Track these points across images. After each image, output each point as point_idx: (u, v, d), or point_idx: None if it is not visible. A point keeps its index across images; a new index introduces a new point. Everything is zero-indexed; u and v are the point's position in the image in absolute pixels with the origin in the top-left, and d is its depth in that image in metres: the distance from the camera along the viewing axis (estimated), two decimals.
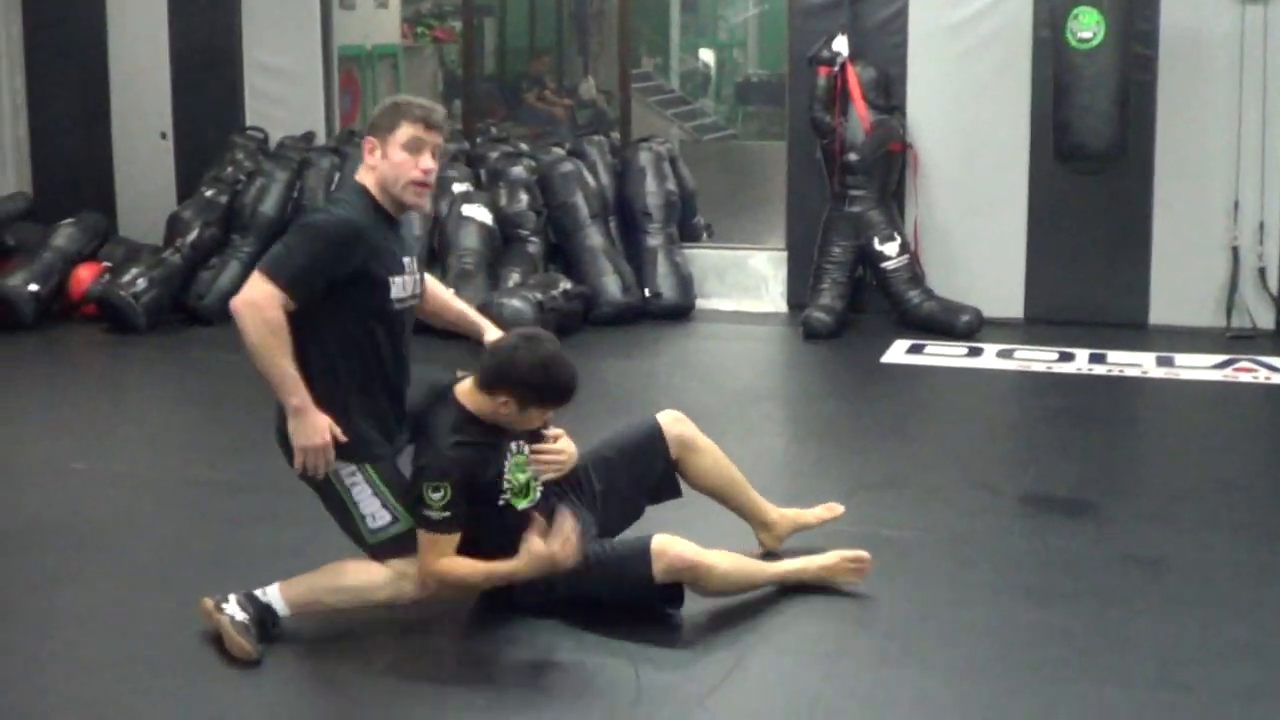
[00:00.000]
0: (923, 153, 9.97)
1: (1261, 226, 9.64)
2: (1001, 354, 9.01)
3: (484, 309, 8.87)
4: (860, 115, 9.71)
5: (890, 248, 9.74)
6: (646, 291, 10.12)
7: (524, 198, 10.17)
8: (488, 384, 4.76)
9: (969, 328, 9.43)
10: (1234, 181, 9.64)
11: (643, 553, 4.82)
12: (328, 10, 11.36)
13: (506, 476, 4.86)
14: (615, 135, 11.45)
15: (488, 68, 17.75)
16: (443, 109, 4.99)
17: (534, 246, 10.13)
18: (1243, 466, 7.08)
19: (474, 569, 4.70)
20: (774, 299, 10.38)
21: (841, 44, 9.80)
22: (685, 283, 10.26)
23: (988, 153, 9.84)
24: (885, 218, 9.80)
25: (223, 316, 9.71)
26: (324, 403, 4.71)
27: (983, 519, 6.06)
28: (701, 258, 10.52)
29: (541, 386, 4.78)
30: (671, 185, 10.64)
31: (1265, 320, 9.66)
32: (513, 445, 4.91)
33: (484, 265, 9.89)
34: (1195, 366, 8.83)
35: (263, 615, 4.75)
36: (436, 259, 9.98)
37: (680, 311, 10.19)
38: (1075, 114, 8.89)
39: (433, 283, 5.28)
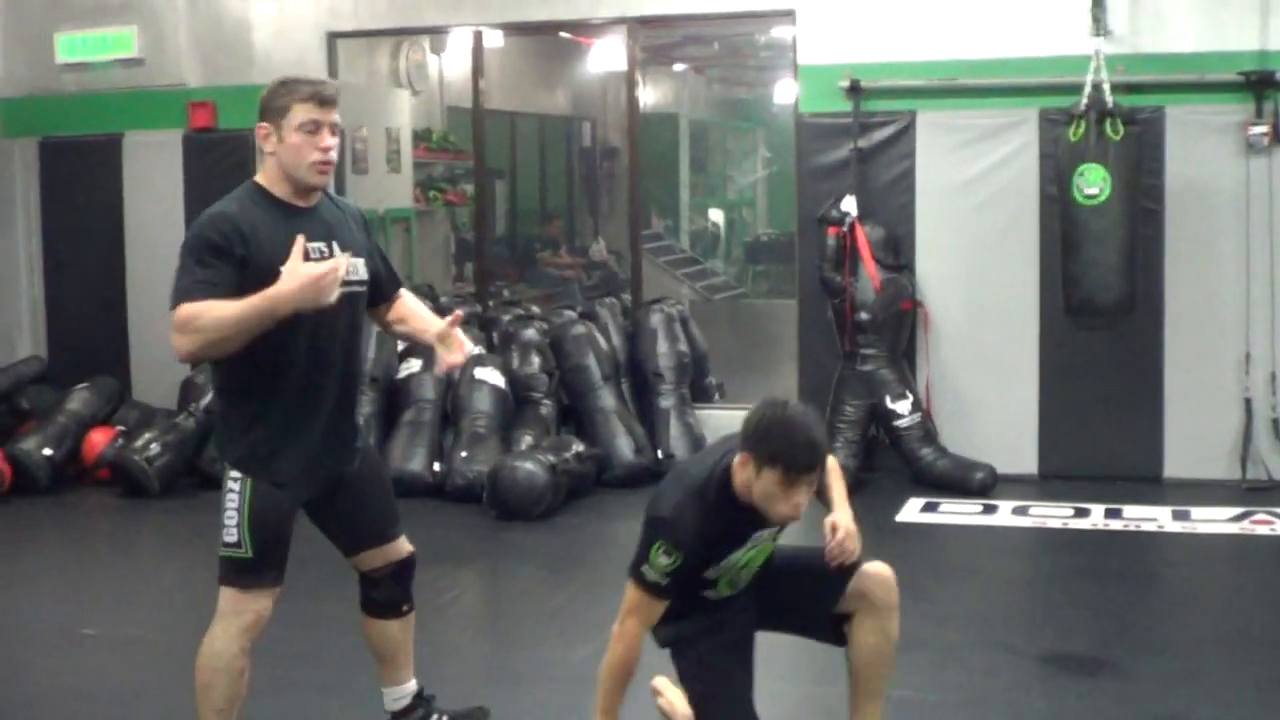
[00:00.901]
0: (933, 310, 10.00)
1: (1274, 377, 9.65)
2: (1016, 511, 8.98)
3: (496, 472, 8.96)
4: (870, 274, 9.76)
5: (903, 406, 9.75)
6: (659, 453, 10.11)
7: (536, 360, 10.21)
8: (740, 446, 4.42)
9: (983, 485, 9.41)
10: (1244, 333, 9.66)
11: None
12: (341, 175, 11.46)
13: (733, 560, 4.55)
14: (626, 297, 11.49)
15: (499, 230, 17.89)
16: (334, 82, 4.80)
17: (546, 409, 10.15)
18: (1263, 620, 7.02)
19: None
20: None
21: (850, 204, 9.87)
22: (698, 443, 10.23)
23: (998, 309, 9.87)
24: (897, 376, 9.82)
25: None
26: (232, 412, 4.69)
27: (1001, 679, 6.02)
28: (714, 418, 10.49)
29: (776, 445, 4.33)
30: (683, 346, 10.69)
31: None
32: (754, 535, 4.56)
33: (497, 428, 9.91)
34: (1211, 520, 8.79)
35: None
36: (449, 422, 10.02)
37: None
38: (1083, 269, 8.95)
39: (407, 299, 5.19)
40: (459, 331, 5.00)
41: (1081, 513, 8.87)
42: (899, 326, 9.90)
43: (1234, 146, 9.66)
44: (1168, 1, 9.82)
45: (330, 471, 4.85)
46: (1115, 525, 8.64)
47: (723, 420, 10.45)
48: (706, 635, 4.66)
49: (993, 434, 9.79)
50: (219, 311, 4.37)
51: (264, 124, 4.69)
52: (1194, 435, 9.71)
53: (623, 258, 15.03)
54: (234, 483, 4.67)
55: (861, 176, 10.00)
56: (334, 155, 4.71)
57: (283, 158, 4.68)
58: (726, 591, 4.64)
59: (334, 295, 4.41)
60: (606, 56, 17.06)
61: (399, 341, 9.71)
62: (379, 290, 5.04)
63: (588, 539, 8.68)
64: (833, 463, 4.69)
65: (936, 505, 9.22)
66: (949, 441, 9.81)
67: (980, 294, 9.96)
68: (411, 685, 5.22)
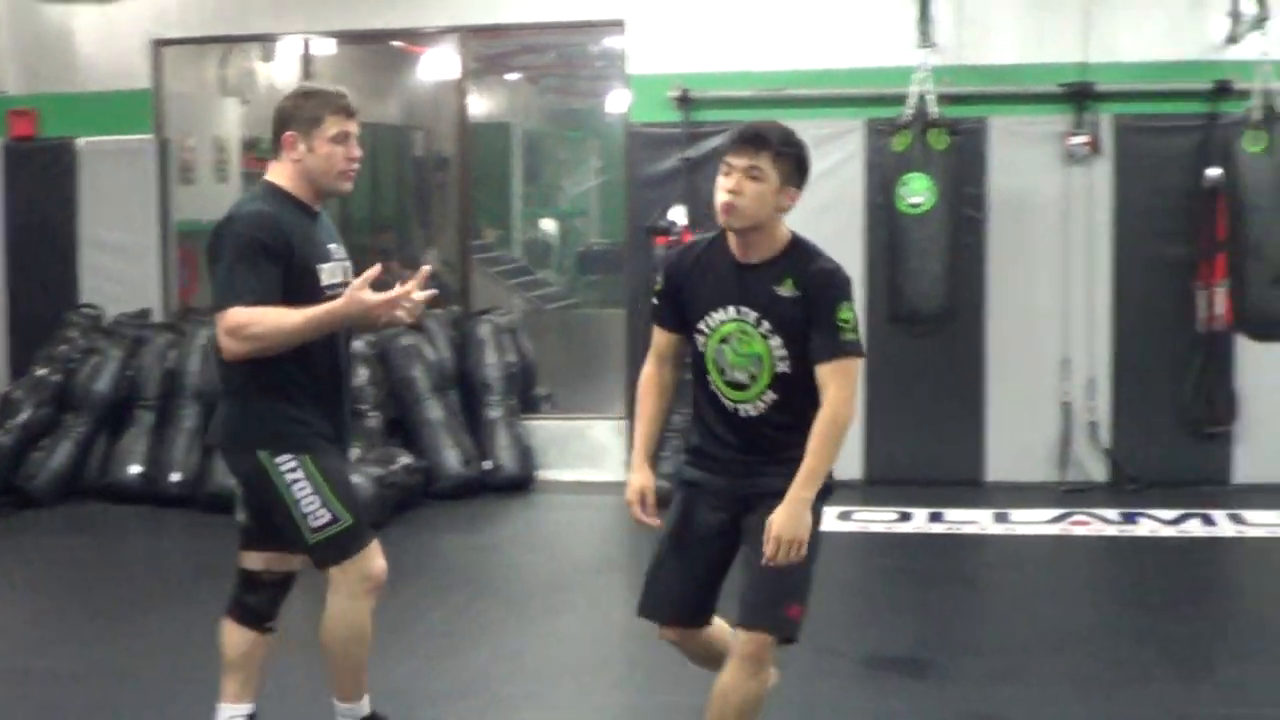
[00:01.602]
0: None
1: (1091, 382, 9.88)
2: (841, 516, 9.07)
3: None
4: None
5: None
6: (487, 464, 10.08)
7: (363, 372, 10.09)
8: None
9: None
10: (1063, 338, 9.89)
11: None
12: (166, 186, 11.30)
13: None
14: (456, 308, 11.44)
15: None
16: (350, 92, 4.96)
17: (374, 421, 10.02)
18: (1080, 619, 7.18)
19: None
20: (615, 468, 10.37)
21: (679, 213, 9.93)
22: (526, 454, 10.25)
23: None
24: None
25: (53, 498, 9.58)
26: (269, 393, 4.74)
27: (825, 682, 6.07)
28: (542, 428, 10.53)
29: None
30: (511, 356, 10.67)
31: (1098, 474, 9.88)
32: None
33: None
34: (1031, 522, 8.98)
35: None
36: None
37: (521, 483, 10.19)
38: (907, 277, 9.07)
39: None
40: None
41: (905, 517, 9.00)
42: None
43: (1054, 156, 9.90)
44: (991, 15, 10.02)
45: (348, 445, 5.05)
46: (938, 528, 8.78)
47: (552, 431, 10.50)
48: (667, 526, 4.80)
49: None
50: (276, 321, 4.58)
51: (292, 132, 4.81)
52: (1014, 439, 9.90)
53: (455, 268, 14.99)
54: (292, 470, 4.72)
55: (691, 186, 10.07)
56: (358, 165, 4.89)
57: (310, 165, 4.82)
58: (719, 381, 4.62)
59: (382, 321, 4.77)
60: (438, 66, 16.98)
61: None
62: None
63: (415, 552, 8.60)
64: (821, 429, 4.45)
65: None
66: None
67: None
68: (251, 707, 5.09)
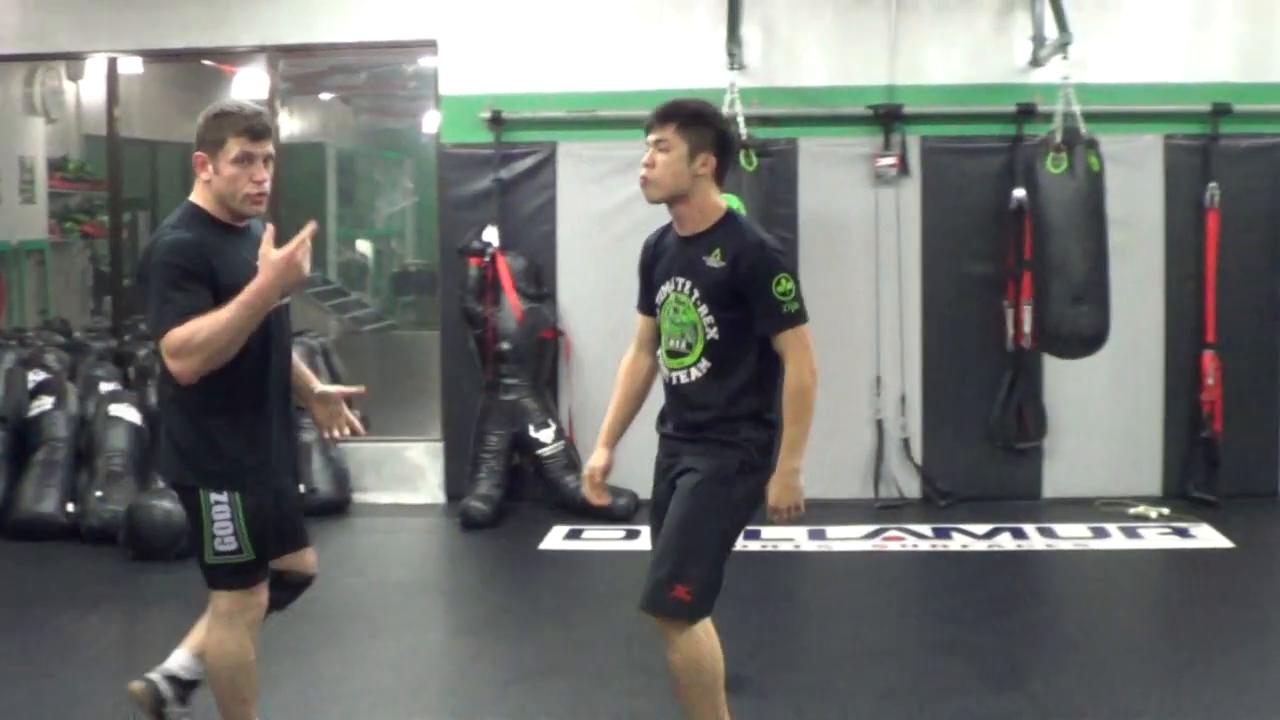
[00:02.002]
0: (574, 339, 10.11)
1: (903, 399, 10.01)
2: None
3: (133, 512, 8.69)
4: (512, 304, 9.81)
5: (545, 434, 9.83)
6: (302, 487, 9.94)
7: None
8: None
9: (625, 510, 9.52)
10: (875, 357, 10.01)
11: None
12: None
13: None
14: None
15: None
16: (267, 112, 4.97)
17: None
18: (891, 633, 7.29)
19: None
20: (431, 490, 10.33)
21: (492, 234, 9.92)
22: (341, 476, 10.16)
23: None
24: (540, 405, 9.90)
25: None
26: (199, 424, 4.81)
27: (643, 700, 6.09)
28: (357, 451, 10.40)
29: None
30: (325, 379, 10.54)
31: (911, 490, 10.01)
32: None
33: (133, 467, 9.56)
34: (846, 538, 9.08)
35: None
36: (84, 461, 9.67)
37: (336, 506, 10.08)
38: None
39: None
40: (346, 409, 5.38)
41: (752, 535, 9.04)
42: (540, 356, 9.97)
43: (863, 177, 10.03)
44: (800, 38, 10.13)
45: (283, 473, 5.10)
46: (753, 546, 8.81)
47: (368, 453, 10.40)
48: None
49: (634, 460, 9.77)
50: (211, 324, 4.56)
51: (200, 153, 4.82)
52: (828, 457, 9.96)
53: None
54: (217, 499, 4.81)
55: (503, 207, 10.06)
56: (267, 186, 4.84)
57: (218, 187, 4.81)
58: (663, 353, 5.04)
59: (307, 268, 4.60)
60: (249, 85, 16.79)
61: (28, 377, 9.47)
62: None
63: None
64: (789, 397, 4.93)
65: (580, 532, 9.30)
66: None
67: (621, 323, 10.00)
68: (202, 670, 5.23)
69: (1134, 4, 10.13)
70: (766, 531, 9.08)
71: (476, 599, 8.28)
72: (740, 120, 9.22)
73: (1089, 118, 9.07)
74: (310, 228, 4.73)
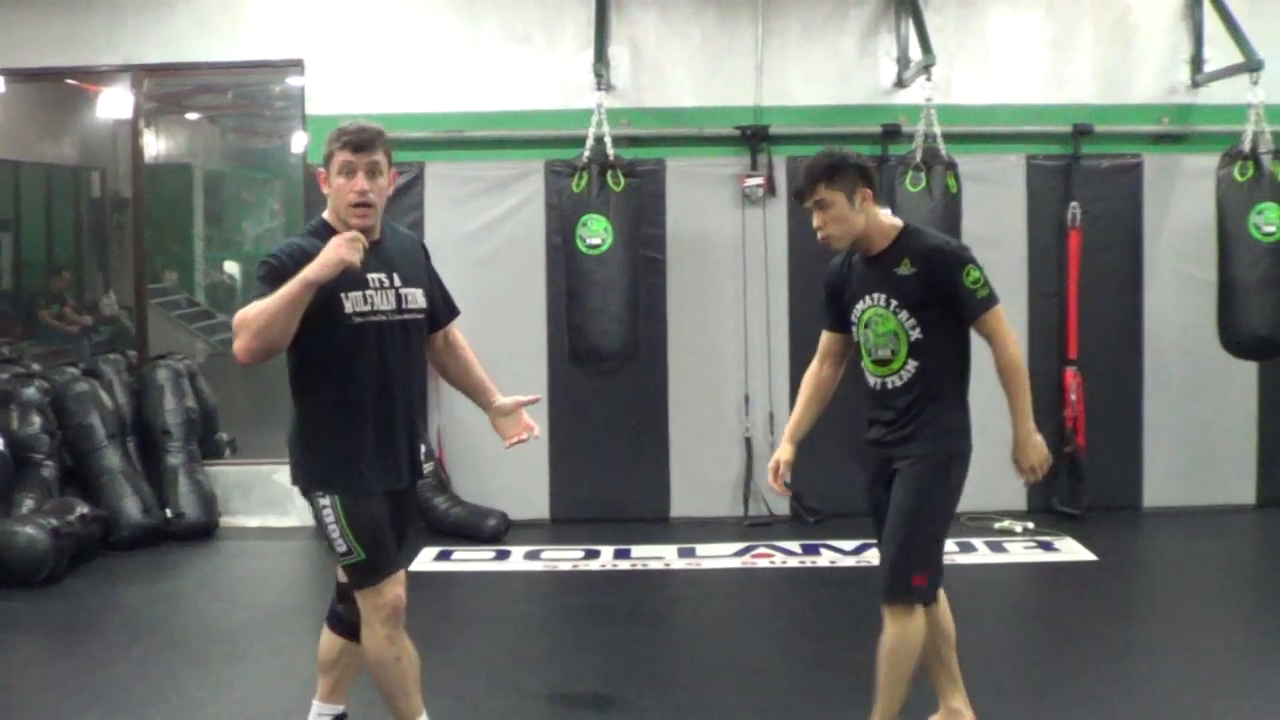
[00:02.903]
0: None
1: (771, 417, 10.07)
2: (529, 555, 9.11)
3: None
4: None
5: None
6: (168, 512, 9.85)
7: (37, 420, 9.73)
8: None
9: (495, 531, 9.52)
10: (744, 375, 10.07)
11: None
12: None
13: None
14: (133, 352, 11.14)
15: (2, 285, 17.14)
16: (376, 127, 5.14)
17: (49, 470, 9.65)
18: (762, 649, 7.32)
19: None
20: (300, 513, 10.21)
21: None
22: (208, 501, 10.04)
23: (508, 357, 9.88)
24: None
25: None
26: (304, 427, 5.09)
27: None
28: (225, 474, 10.33)
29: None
30: (191, 402, 10.44)
31: (780, 507, 10.05)
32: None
33: None
34: (715, 556, 9.12)
35: None
36: None
37: (204, 530, 9.95)
38: (587, 317, 9.11)
39: (462, 342, 5.54)
40: (525, 414, 5.52)
41: (592, 554, 9.05)
42: None
43: (731, 197, 10.09)
44: (668, 59, 10.18)
45: (393, 484, 5.18)
46: (624, 565, 8.84)
47: (235, 476, 10.32)
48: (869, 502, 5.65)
49: (504, 481, 9.89)
50: (262, 303, 4.75)
51: (321, 169, 5.13)
52: (698, 475, 10.05)
53: (132, 312, 14.69)
54: (324, 501, 5.06)
55: None
56: (372, 196, 5.04)
57: (331, 200, 5.10)
58: (868, 363, 5.47)
59: (357, 254, 4.77)
60: (114, 105, 16.59)
61: None
62: (433, 317, 5.36)
63: (94, 604, 8.35)
64: (1005, 370, 5.39)
65: (450, 553, 9.27)
66: (462, 490, 9.91)
67: (490, 342, 9.91)
68: (342, 708, 5.57)
69: (997, 27, 10.30)
70: (636, 550, 9.13)
71: None
72: (607, 141, 9.23)
73: (953, 138, 9.21)
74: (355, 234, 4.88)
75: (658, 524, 9.89)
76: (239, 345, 4.79)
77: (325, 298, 4.86)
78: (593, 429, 10.06)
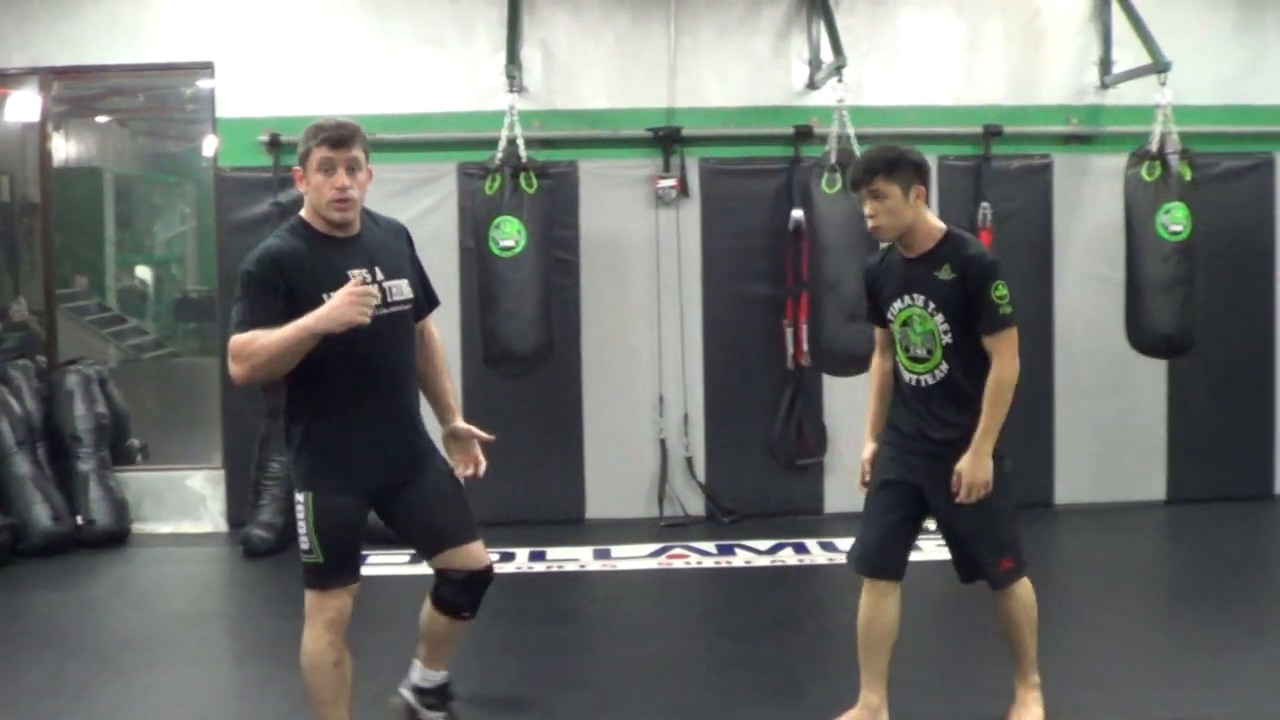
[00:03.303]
0: None
1: (686, 418, 10.09)
2: None
3: None
4: None
5: None
6: (79, 519, 9.74)
7: None
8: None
9: None
10: (658, 376, 10.09)
11: None
12: None
13: None
14: (42, 358, 11.01)
15: None
16: (353, 123, 5.14)
17: None
18: (680, 649, 7.35)
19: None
20: (213, 518, 10.18)
21: None
22: (120, 507, 9.94)
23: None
24: None
25: None
26: (291, 427, 5.17)
27: None
28: (137, 480, 10.24)
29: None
30: (102, 408, 10.32)
31: (695, 508, 10.09)
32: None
33: None
34: (631, 557, 9.14)
35: None
36: None
37: (116, 537, 9.84)
38: (501, 319, 9.09)
39: (435, 343, 5.61)
40: (478, 448, 5.74)
41: (507, 557, 9.03)
42: None
43: (644, 199, 10.11)
44: (580, 60, 10.19)
45: (385, 480, 5.28)
46: (539, 567, 8.84)
47: (147, 482, 10.24)
48: (873, 484, 5.97)
49: None
50: (265, 339, 4.83)
51: (297, 168, 5.13)
52: (613, 477, 10.06)
53: (42, 317, 14.54)
54: (299, 497, 5.15)
55: None
56: (352, 192, 5.08)
57: (309, 197, 5.10)
58: (904, 359, 5.73)
59: (366, 314, 4.86)
60: (22, 108, 16.41)
61: None
62: (416, 306, 5.42)
63: (4, 613, 8.22)
64: (993, 389, 5.58)
65: (365, 557, 9.18)
66: None
67: None
68: (442, 675, 5.89)
69: (908, 29, 10.37)
70: (551, 552, 9.14)
71: (260, 628, 8.13)
72: (520, 143, 9.22)
73: (865, 140, 9.23)
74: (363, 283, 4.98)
75: (573, 526, 9.89)
76: (237, 372, 4.92)
77: (308, 297, 4.93)
78: (507, 431, 9.87)
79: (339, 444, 5.15)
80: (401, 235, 5.49)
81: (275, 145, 9.96)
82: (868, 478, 6.00)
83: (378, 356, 5.14)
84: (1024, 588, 5.88)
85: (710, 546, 9.38)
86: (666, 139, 10.08)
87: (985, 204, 10.11)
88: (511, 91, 9.43)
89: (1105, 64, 10.37)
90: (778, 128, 10.13)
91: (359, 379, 5.11)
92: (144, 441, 11.36)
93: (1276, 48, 10.58)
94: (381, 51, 10.19)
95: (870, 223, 5.66)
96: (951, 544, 5.92)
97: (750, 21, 10.28)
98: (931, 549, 9.15)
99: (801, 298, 9.81)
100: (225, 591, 9.22)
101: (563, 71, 10.21)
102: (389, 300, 5.15)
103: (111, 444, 10.39)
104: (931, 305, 5.59)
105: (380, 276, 5.15)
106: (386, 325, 5.12)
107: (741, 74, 10.29)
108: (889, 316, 5.76)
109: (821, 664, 6.97)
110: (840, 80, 9.30)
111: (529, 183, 9.14)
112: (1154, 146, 9.27)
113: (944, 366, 5.62)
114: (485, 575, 5.68)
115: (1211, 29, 10.49)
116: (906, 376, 5.74)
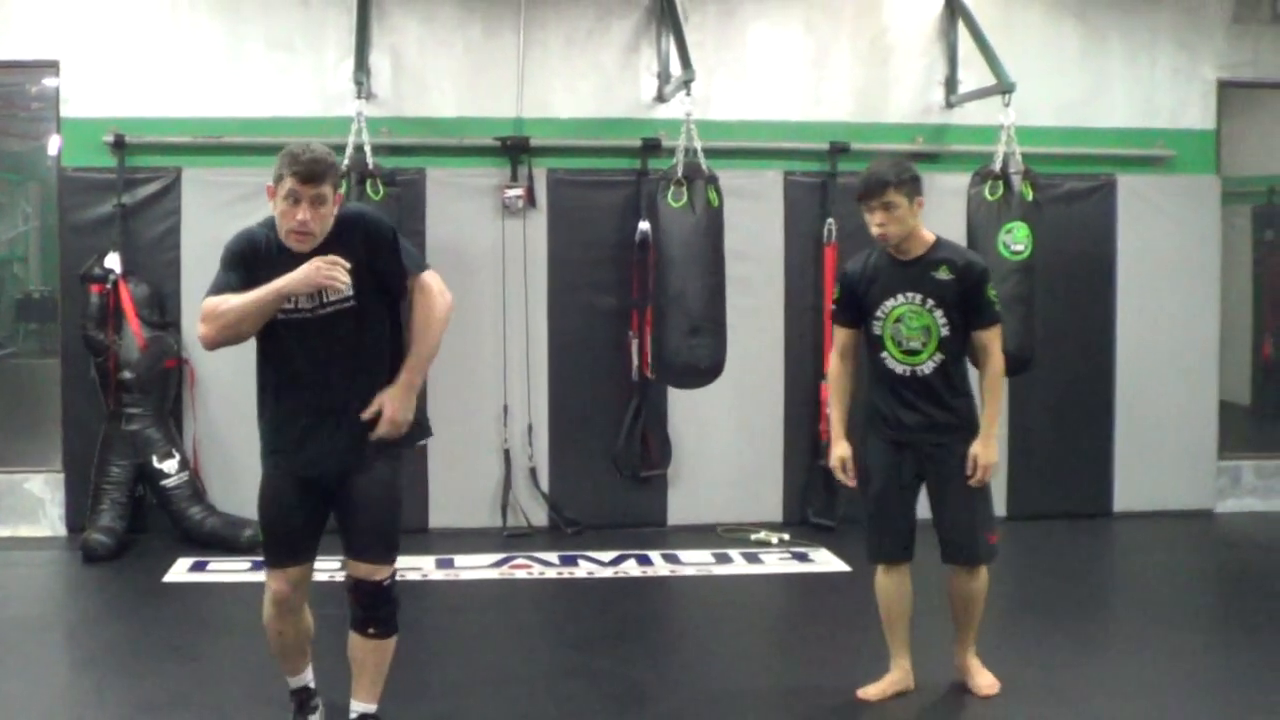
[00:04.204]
0: (199, 368, 9.91)
1: (530, 429, 10.12)
2: None
3: None
4: (135, 332, 9.61)
5: (170, 465, 9.64)
6: None
7: None
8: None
9: (251, 542, 9.39)
10: (503, 386, 10.10)
11: None
12: None
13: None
14: None
15: None
16: (327, 158, 5.31)
17: None
18: (522, 659, 7.37)
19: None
20: (52, 522, 10.03)
21: (114, 261, 9.69)
22: None
23: None
24: (164, 434, 9.70)
25: None
26: (260, 410, 5.47)
27: None
28: None
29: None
30: None
31: (538, 518, 10.13)
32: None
33: None
34: (474, 566, 9.15)
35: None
36: None
37: None
38: None
39: (420, 299, 5.54)
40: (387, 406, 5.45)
41: (444, 564, 9.02)
42: (164, 385, 9.77)
43: (491, 208, 10.12)
44: (429, 68, 10.20)
45: (315, 473, 5.46)
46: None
47: None
48: (876, 479, 6.49)
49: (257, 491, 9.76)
50: (234, 299, 5.17)
51: (269, 184, 5.32)
52: (457, 486, 10.06)
53: None
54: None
55: (126, 233, 9.84)
56: (312, 226, 5.22)
57: (275, 217, 5.31)
58: (895, 353, 6.32)
59: (334, 281, 5.12)
60: None
61: None
62: (391, 288, 5.49)
63: None
64: (992, 380, 6.32)
65: (205, 564, 9.16)
66: (218, 499, 9.77)
67: (244, 350, 9.95)
68: (368, 708, 5.81)
69: (756, 44, 10.48)
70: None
71: (98, 633, 8.03)
72: (367, 149, 9.19)
73: (713, 153, 9.33)
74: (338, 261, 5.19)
75: (416, 534, 9.82)
76: (204, 332, 5.23)
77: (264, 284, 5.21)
78: None
79: (274, 431, 5.48)
80: (357, 228, 5.45)
81: (120, 146, 9.85)
82: (852, 475, 6.51)
83: (316, 352, 5.34)
84: (985, 573, 6.56)
85: (553, 557, 9.41)
86: (514, 148, 10.11)
87: (830, 220, 10.24)
88: (359, 98, 9.41)
89: (951, 83, 10.56)
90: (626, 139, 10.21)
91: (292, 372, 5.38)
92: None
93: (1119, 72, 10.84)
94: (230, 54, 10.12)
95: (877, 230, 6.23)
96: (943, 523, 6.42)
97: (599, 33, 10.34)
98: (774, 562, 9.29)
99: (647, 310, 9.86)
100: (64, 597, 9.09)
101: (412, 78, 10.20)
102: (324, 301, 5.28)
103: None
104: (930, 302, 6.25)
105: (326, 296, 5.30)
106: (319, 324, 5.31)
107: (590, 85, 10.35)
108: (878, 314, 6.34)
109: (663, 675, 7.02)
110: (688, 94, 9.36)
111: (375, 189, 9.11)
112: (997, 166, 9.42)
113: (939, 356, 6.26)
114: (370, 589, 5.64)
115: (1056, 52, 10.73)
116: (898, 369, 6.33)
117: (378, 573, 5.62)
